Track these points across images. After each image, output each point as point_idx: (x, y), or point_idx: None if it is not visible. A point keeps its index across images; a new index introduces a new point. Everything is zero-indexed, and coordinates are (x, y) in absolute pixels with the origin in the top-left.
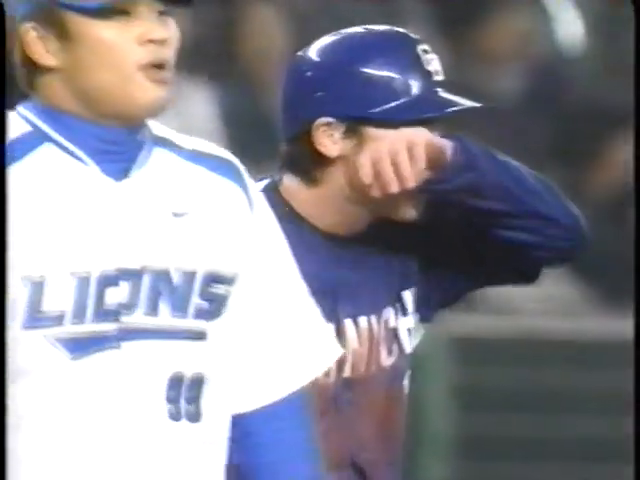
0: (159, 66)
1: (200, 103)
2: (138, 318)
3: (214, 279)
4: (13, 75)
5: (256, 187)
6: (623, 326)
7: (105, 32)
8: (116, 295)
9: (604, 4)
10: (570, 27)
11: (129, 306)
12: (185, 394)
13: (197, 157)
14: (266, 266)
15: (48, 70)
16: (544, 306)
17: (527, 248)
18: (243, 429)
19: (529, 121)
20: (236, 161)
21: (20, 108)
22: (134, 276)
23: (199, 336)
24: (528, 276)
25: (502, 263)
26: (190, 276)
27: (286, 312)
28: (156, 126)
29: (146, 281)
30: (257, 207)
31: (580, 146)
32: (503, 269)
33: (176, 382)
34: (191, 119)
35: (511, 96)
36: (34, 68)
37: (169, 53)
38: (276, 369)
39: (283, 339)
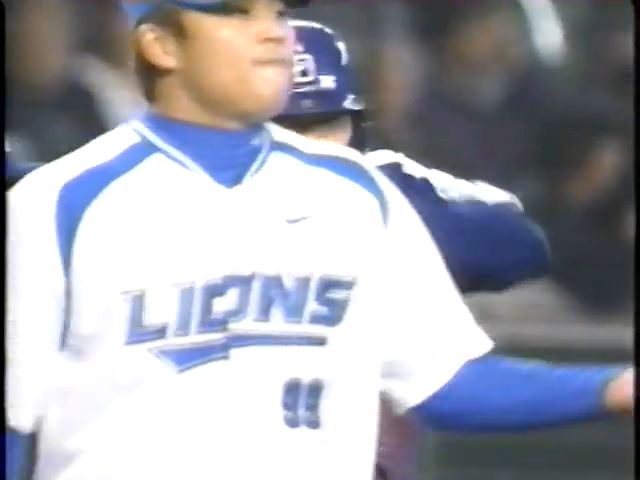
0: (278, 64)
1: None
2: (247, 325)
3: (333, 284)
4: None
5: (391, 187)
6: (604, 333)
7: (223, 30)
8: (223, 303)
9: (585, 11)
10: (550, 34)
11: (237, 313)
12: (304, 400)
13: (320, 160)
14: (412, 265)
15: (166, 73)
16: (524, 313)
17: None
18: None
19: (509, 127)
20: (364, 162)
21: (131, 120)
22: (243, 283)
23: (318, 341)
24: (505, 289)
25: (478, 286)
26: (304, 281)
27: (439, 306)
28: (277, 131)
29: (256, 287)
30: (393, 206)
31: (561, 153)
32: (481, 288)
33: (294, 388)
34: None
35: (491, 103)
36: (151, 73)
37: (288, 51)
38: (442, 350)
39: (441, 326)
